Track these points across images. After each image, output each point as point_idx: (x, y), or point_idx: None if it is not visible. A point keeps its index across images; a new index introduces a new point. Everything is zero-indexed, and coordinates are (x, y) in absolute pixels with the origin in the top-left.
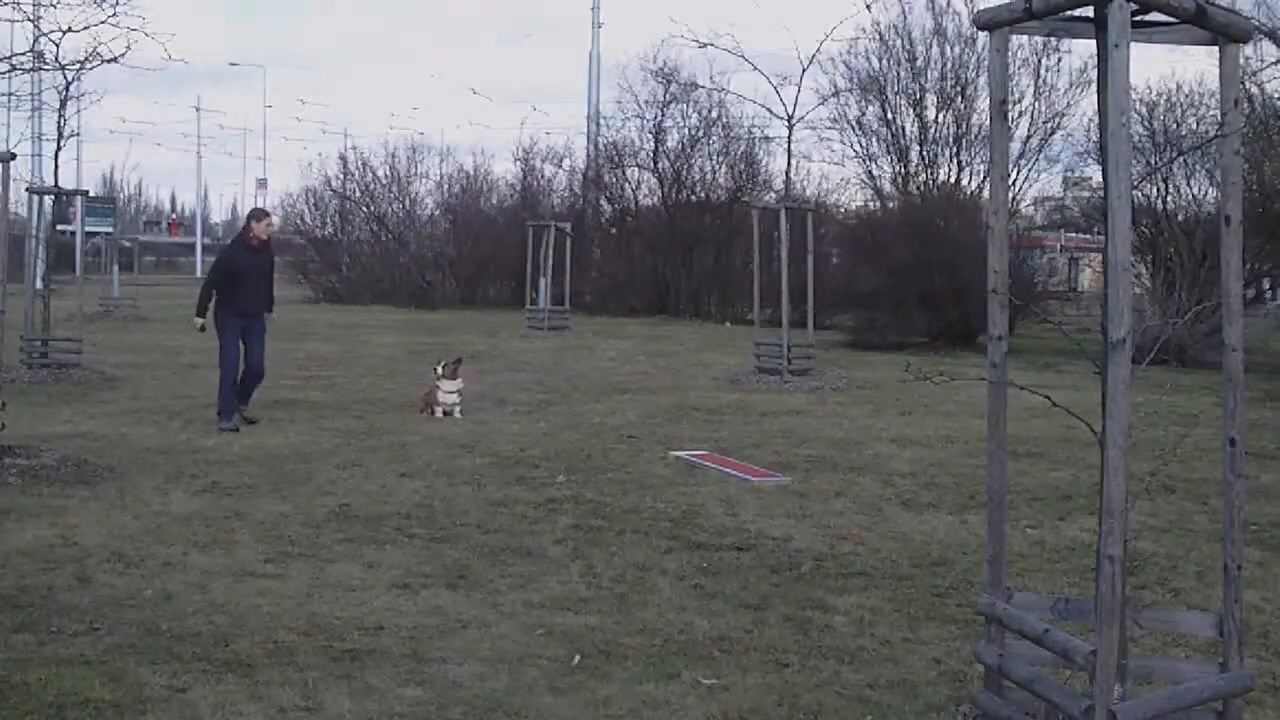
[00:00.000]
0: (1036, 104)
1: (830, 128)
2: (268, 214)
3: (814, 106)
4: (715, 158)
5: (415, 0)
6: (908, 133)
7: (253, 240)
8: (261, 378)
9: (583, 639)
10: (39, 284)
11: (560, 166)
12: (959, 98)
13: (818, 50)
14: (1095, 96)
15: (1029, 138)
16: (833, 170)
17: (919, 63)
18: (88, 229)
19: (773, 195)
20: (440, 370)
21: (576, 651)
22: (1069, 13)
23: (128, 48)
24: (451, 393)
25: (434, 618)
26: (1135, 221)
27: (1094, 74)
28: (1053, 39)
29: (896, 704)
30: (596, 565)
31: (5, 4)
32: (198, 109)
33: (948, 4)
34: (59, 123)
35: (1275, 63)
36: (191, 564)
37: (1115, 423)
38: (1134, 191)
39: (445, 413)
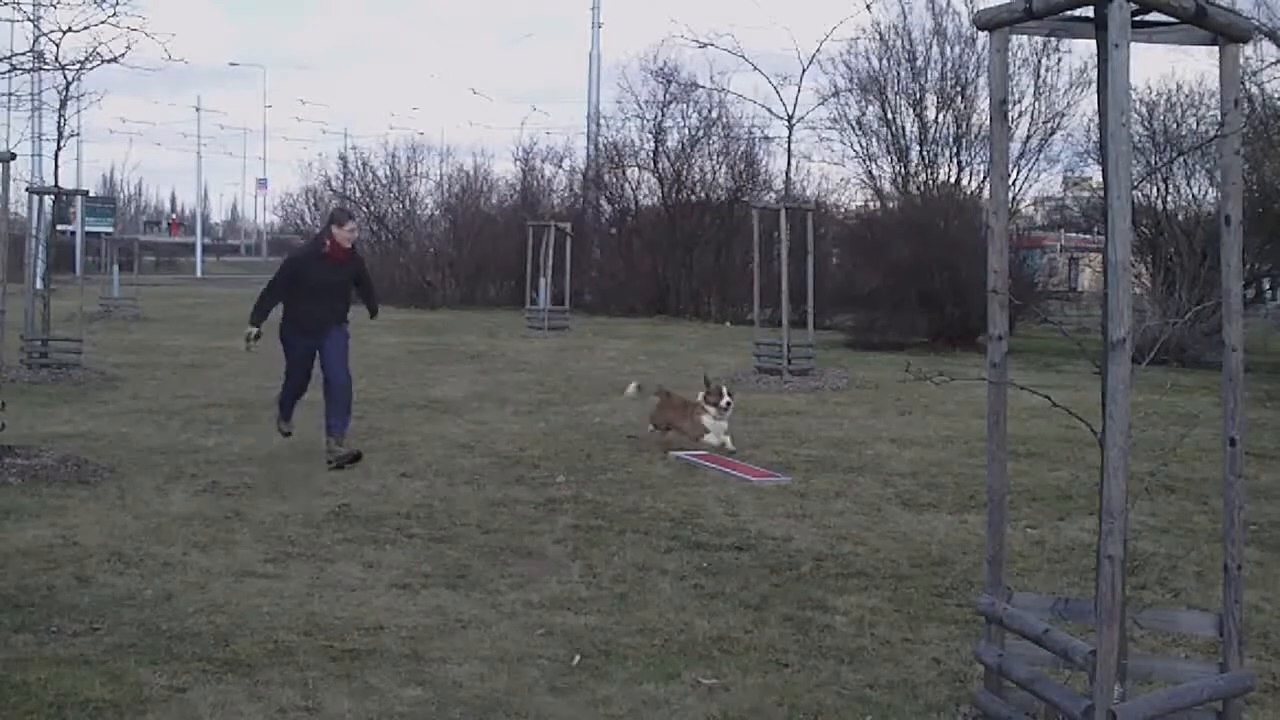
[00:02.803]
0: (1036, 104)
1: (830, 128)
2: (352, 217)
3: (814, 106)
4: (715, 158)
5: (415, 0)
6: (908, 133)
7: (325, 247)
8: (347, 389)
9: (583, 639)
10: (39, 284)
11: (560, 166)
12: (959, 98)
13: (818, 50)
14: (1095, 96)
15: (1029, 138)
16: (833, 170)
17: (919, 63)
18: (89, 229)
19: (773, 195)
20: (713, 397)
21: (576, 651)
22: (1069, 13)
23: (128, 48)
24: (720, 420)
25: (434, 618)
26: (1135, 221)
27: (1094, 74)
28: (1053, 39)
29: (896, 704)
30: (596, 565)
31: (5, 4)
32: (198, 109)
33: (948, 4)
34: (59, 123)
35: (1275, 63)
36: (191, 564)
37: (1115, 423)
38: (1134, 191)
39: (717, 446)
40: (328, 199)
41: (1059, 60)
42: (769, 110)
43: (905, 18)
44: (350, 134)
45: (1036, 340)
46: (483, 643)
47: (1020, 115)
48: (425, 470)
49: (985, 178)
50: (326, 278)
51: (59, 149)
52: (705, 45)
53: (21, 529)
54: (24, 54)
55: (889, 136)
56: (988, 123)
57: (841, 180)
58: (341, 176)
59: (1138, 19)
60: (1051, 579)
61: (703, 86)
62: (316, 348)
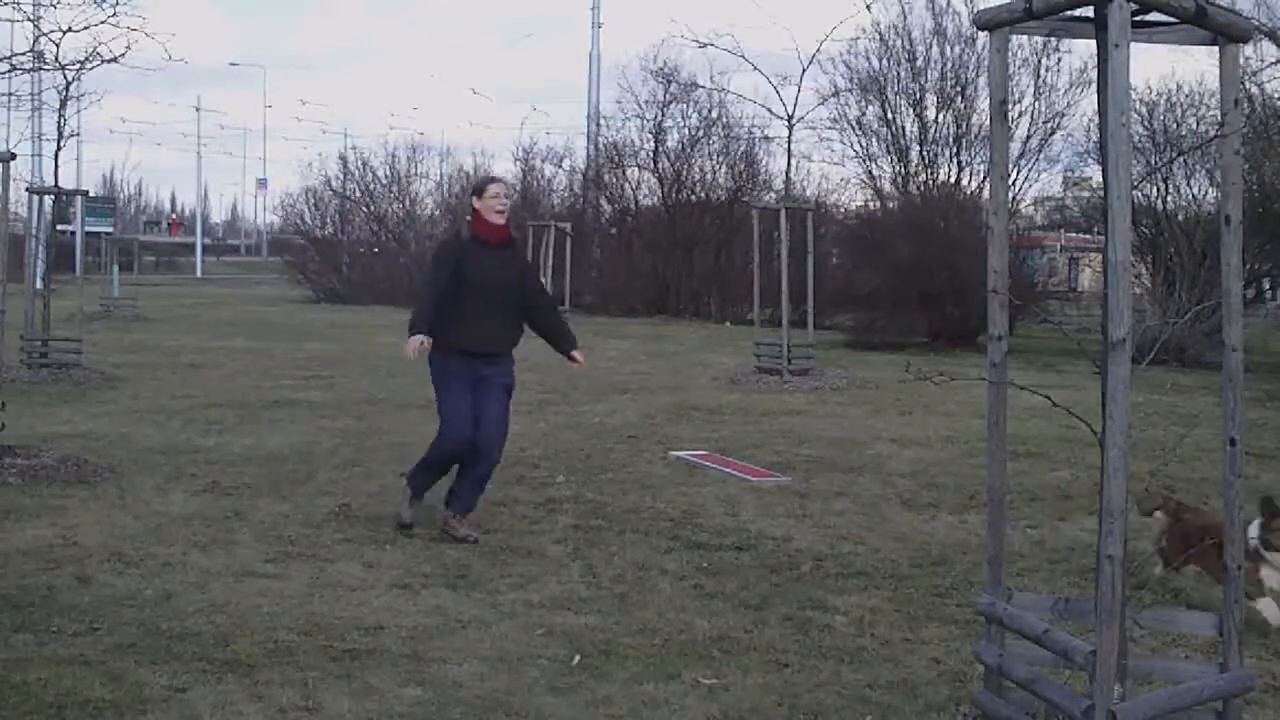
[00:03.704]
0: (1036, 104)
1: (830, 128)
2: (495, 179)
3: (814, 106)
4: (715, 158)
5: (415, 0)
6: (908, 133)
7: (474, 230)
8: (493, 457)
9: (583, 639)
10: (39, 284)
11: (560, 166)
12: (959, 98)
13: (818, 50)
14: (1095, 96)
15: (1029, 138)
16: (833, 170)
17: (919, 63)
18: (89, 229)
19: (773, 195)
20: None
21: (576, 651)
22: (1069, 13)
23: (128, 48)
24: None
25: (434, 618)
26: (1135, 221)
27: (1094, 74)
28: (1053, 39)
29: (896, 704)
30: (596, 565)
31: (5, 4)
32: (198, 109)
33: (948, 4)
34: (59, 123)
35: (1275, 63)
36: (191, 564)
37: (1115, 423)
38: (1134, 191)
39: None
40: (328, 199)
41: (1059, 60)
42: (769, 110)
43: (905, 18)
44: (350, 134)
45: (1036, 340)
46: (483, 643)
47: (1020, 115)
48: None
49: (985, 178)
50: (491, 273)
51: (59, 149)
52: (705, 45)
53: (21, 529)
54: (24, 54)
55: (889, 136)
56: (988, 123)
57: (841, 180)
58: (341, 176)
59: (1138, 19)
60: (1051, 579)
61: (703, 86)
62: (476, 378)
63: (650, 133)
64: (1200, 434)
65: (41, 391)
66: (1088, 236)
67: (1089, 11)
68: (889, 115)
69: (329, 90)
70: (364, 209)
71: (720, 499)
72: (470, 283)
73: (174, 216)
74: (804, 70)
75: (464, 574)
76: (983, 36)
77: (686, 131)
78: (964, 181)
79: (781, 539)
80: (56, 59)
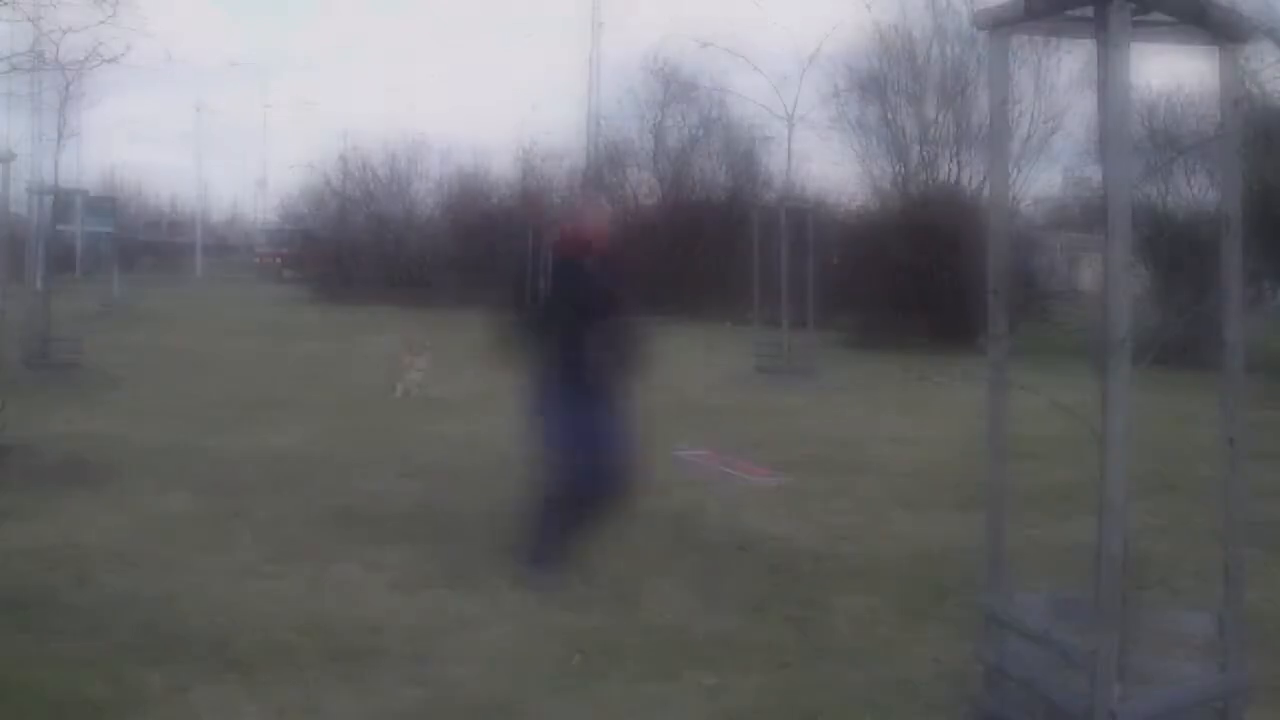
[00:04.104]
0: (1037, 104)
1: (830, 128)
2: (588, 192)
3: (814, 106)
4: (715, 158)
5: (415, 0)
6: (908, 133)
7: (571, 242)
8: (619, 487)
9: (583, 639)
10: (39, 284)
11: (560, 166)
12: (959, 98)
13: (818, 50)
14: (1095, 96)
15: (1029, 138)
16: (833, 170)
17: (919, 63)
18: (89, 229)
19: (773, 195)
20: None
21: (576, 651)
22: (1069, 13)
23: (128, 48)
24: None
25: (434, 618)
26: (1135, 221)
27: (1094, 74)
28: (1053, 39)
29: (896, 704)
30: (596, 565)
31: (5, 4)
32: (198, 109)
33: (947, 4)
34: (59, 123)
35: (1276, 63)
36: (191, 564)
37: (1115, 423)
38: (1134, 191)
39: None
40: (328, 199)
41: (1059, 60)
42: (769, 110)
43: (905, 18)
44: (350, 134)
45: (1036, 340)
46: (483, 643)
47: (1020, 115)
48: (425, 470)
49: (985, 178)
50: (591, 288)
51: (59, 149)
52: (705, 45)
53: (21, 529)
54: (24, 54)
55: (889, 136)
56: (988, 123)
57: (842, 180)
58: (341, 176)
59: (1138, 19)
60: (1051, 579)
61: (703, 86)
62: (588, 408)
63: (650, 133)
64: (1200, 434)
65: (41, 391)
66: (1088, 236)
67: (1089, 11)
68: (889, 115)
69: (329, 90)
70: (364, 209)
71: (720, 499)
72: (573, 303)
73: (174, 217)
74: (804, 70)
75: (464, 574)
76: (983, 36)
77: (686, 131)
78: (964, 181)
79: (781, 539)
80: (56, 59)
